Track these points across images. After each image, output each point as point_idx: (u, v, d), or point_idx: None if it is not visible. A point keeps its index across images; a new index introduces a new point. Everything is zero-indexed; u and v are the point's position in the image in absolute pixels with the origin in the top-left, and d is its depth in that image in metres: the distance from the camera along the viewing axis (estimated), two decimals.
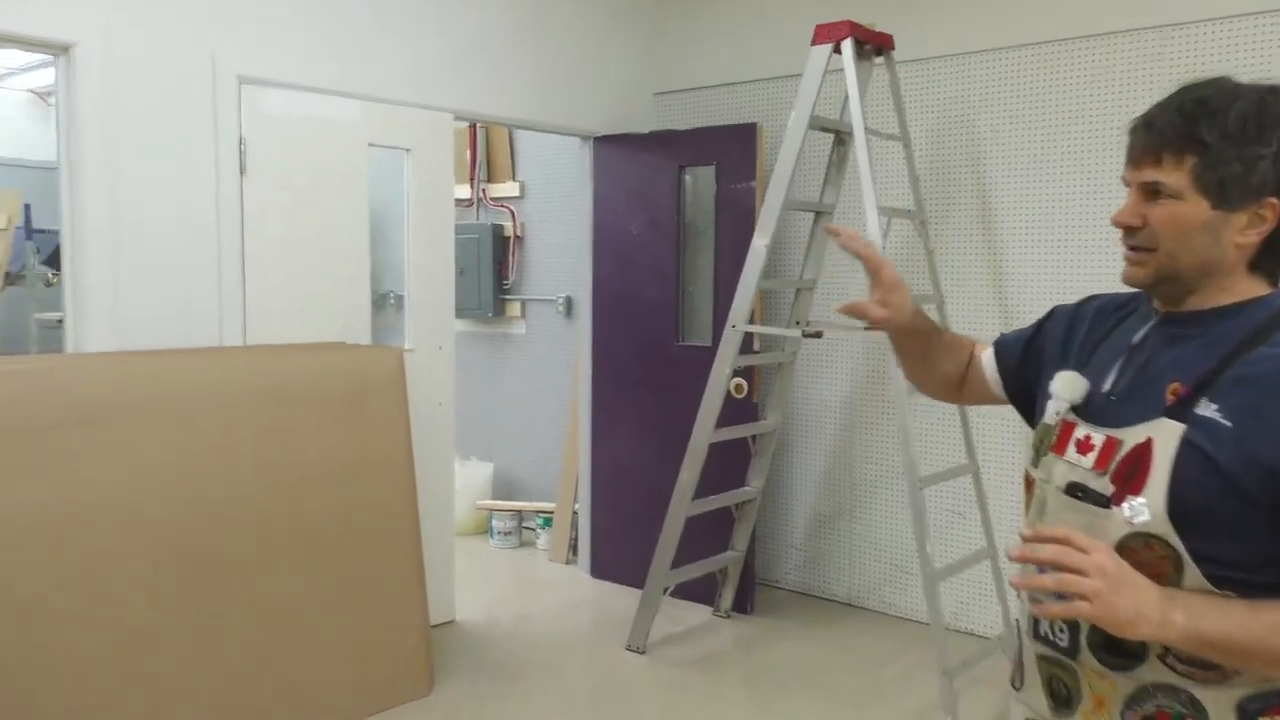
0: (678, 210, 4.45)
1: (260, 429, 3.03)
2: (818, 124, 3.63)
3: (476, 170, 5.75)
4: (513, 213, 5.65)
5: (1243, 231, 1.16)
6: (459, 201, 5.89)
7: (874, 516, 4.36)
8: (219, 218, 3.36)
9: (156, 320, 3.22)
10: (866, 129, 3.38)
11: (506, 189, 5.67)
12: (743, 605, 4.28)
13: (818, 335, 3.54)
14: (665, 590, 3.91)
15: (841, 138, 3.79)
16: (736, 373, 4.09)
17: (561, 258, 5.43)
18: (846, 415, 4.43)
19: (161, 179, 3.21)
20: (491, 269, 5.63)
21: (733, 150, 4.26)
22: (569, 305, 5.38)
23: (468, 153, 5.75)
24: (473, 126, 5.71)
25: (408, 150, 3.92)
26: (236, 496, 2.96)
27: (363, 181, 3.76)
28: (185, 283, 3.28)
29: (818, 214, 3.92)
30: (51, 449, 2.63)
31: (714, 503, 3.92)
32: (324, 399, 3.22)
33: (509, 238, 5.66)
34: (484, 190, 5.75)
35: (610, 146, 4.65)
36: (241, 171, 3.41)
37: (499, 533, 5.35)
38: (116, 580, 2.71)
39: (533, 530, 5.41)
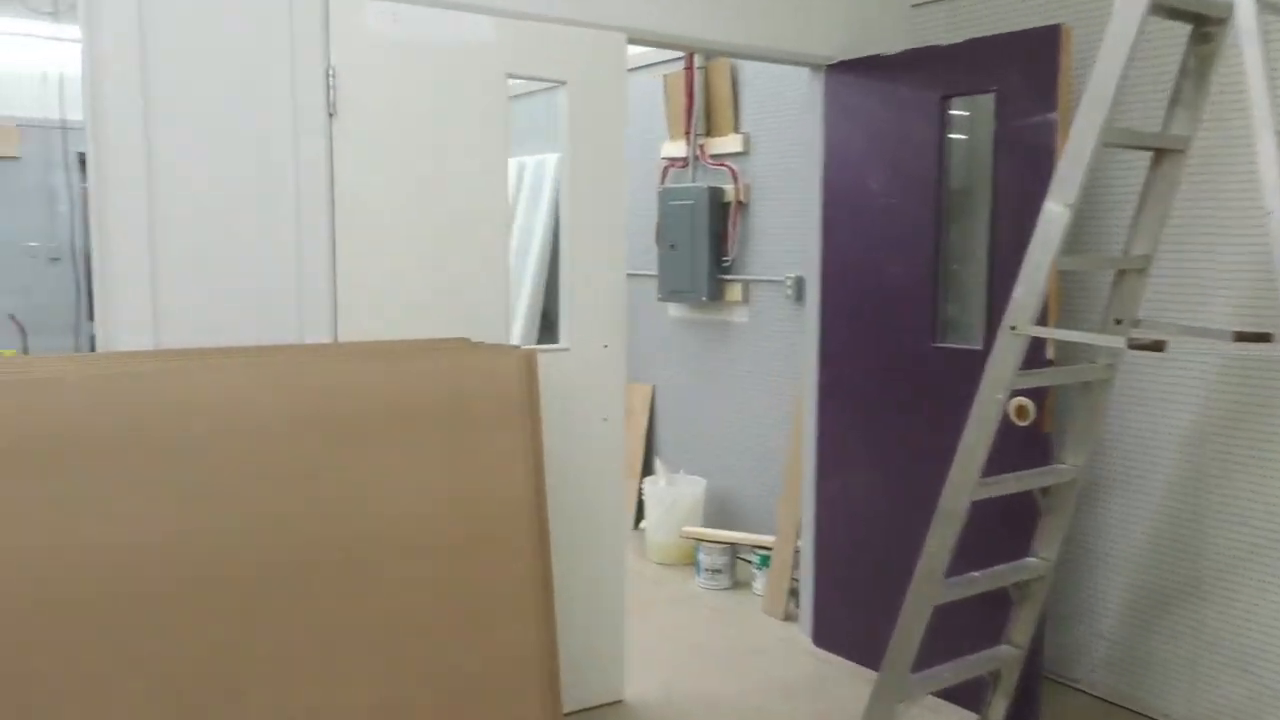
0: (938, 158, 3.20)
1: (303, 472, 2.17)
2: (1164, 5, 2.28)
3: (693, 122, 4.71)
4: (734, 173, 4.57)
5: None
6: (672, 161, 4.90)
7: (1236, 603, 2.94)
8: (297, 176, 2.54)
9: (210, 312, 2.45)
10: (1263, 1, 2.02)
11: (728, 143, 4.59)
12: (1024, 717, 3.01)
13: (1156, 347, 2.20)
14: (904, 700, 2.73)
15: (1205, 28, 2.40)
16: (1019, 393, 2.82)
17: (793, 227, 4.29)
18: (1192, 458, 3.01)
19: (217, 126, 2.43)
20: (708, 242, 4.58)
21: (1022, 69, 2.95)
22: (800, 287, 4.24)
23: (683, 100, 4.73)
24: (688, 68, 4.67)
25: (563, 83, 2.95)
26: (266, 576, 2.12)
27: (501, 125, 2.83)
28: (250, 263, 2.49)
29: (1158, 153, 2.54)
30: None
31: (979, 584, 2.68)
32: (405, 422, 2.32)
33: (729, 203, 4.59)
34: (701, 147, 4.71)
35: (847, 76, 3.45)
36: (330, 114, 2.57)
37: (706, 569, 4.33)
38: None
39: (749, 564, 4.35)
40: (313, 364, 2.27)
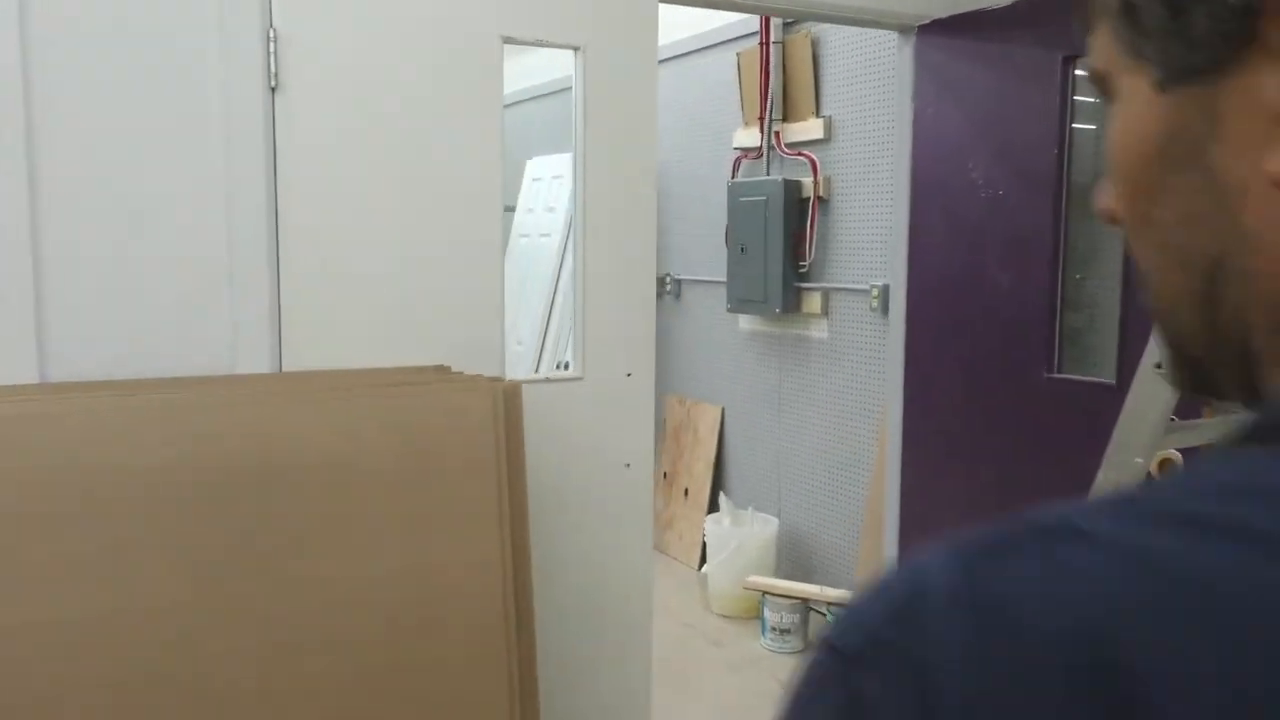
0: (1059, 137, 2.51)
1: (171, 546, 1.65)
2: None
3: (768, 108, 4.08)
4: (814, 163, 3.92)
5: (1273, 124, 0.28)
6: (745, 151, 4.28)
7: None
8: (228, 167, 2.03)
9: (113, 338, 1.96)
10: None
11: (806, 129, 3.95)
12: None
13: None
14: None
15: None
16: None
17: (882, 226, 3.63)
18: None
19: (119, 105, 1.94)
20: (783, 244, 3.95)
21: None
22: (887, 298, 3.57)
23: (758, 80, 4.10)
24: (763, 43, 4.04)
25: (576, 49, 2.38)
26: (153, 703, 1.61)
27: (493, 103, 2.27)
28: (166, 277, 1.99)
29: None
30: None
31: None
32: (336, 477, 1.79)
33: (808, 199, 3.95)
34: (777, 134, 4.08)
35: (942, 38, 2.79)
36: (272, 88, 2.06)
37: (773, 628, 3.70)
38: None
39: (823, 615, 3.71)
40: (208, 404, 1.75)
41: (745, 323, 4.38)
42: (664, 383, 4.83)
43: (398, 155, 2.18)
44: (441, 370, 2.18)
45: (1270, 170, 0.32)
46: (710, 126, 4.47)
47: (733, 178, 4.30)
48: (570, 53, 2.37)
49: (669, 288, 4.81)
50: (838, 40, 3.80)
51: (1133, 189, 0.37)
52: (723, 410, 4.58)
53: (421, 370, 2.16)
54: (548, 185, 5.20)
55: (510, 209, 5.67)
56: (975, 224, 2.73)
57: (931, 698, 0.27)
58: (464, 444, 1.91)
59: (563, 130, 5.35)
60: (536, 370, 4.01)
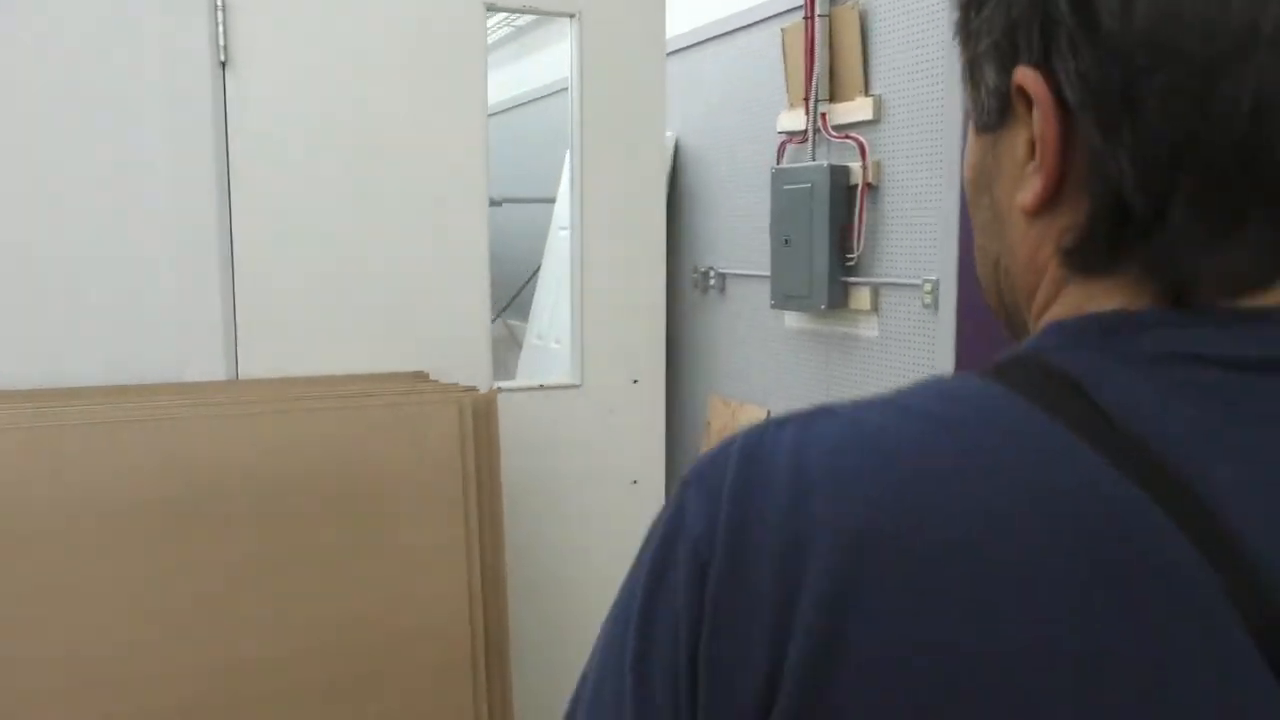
0: None
1: (68, 586, 1.44)
2: None
3: (814, 87, 3.77)
4: (862, 147, 3.60)
5: (1021, 170, 0.45)
6: (790, 135, 3.98)
7: None
8: (174, 151, 1.82)
9: (36, 340, 1.77)
10: None
11: (854, 110, 3.63)
12: None
13: None
14: None
15: None
16: None
17: (934, 216, 3.31)
18: None
19: (48, 80, 1.74)
20: (828, 236, 3.64)
21: None
22: (939, 293, 3.25)
23: (802, 59, 3.79)
24: (808, 17, 3.73)
25: (571, 16, 2.12)
26: None
27: (475, 78, 2.03)
28: (100, 273, 1.79)
29: None
30: None
31: None
32: (262, 508, 1.57)
33: (856, 186, 3.63)
34: (823, 116, 3.76)
35: None
36: (222, 63, 1.85)
37: None
38: None
39: None
40: (112, 423, 1.53)
41: (791, 320, 4.07)
42: (707, 383, 4.55)
43: (368, 139, 1.95)
44: (418, 377, 1.95)
45: (1018, 203, 0.45)
46: (754, 109, 4.17)
47: (778, 163, 4.00)
48: (565, 21, 2.12)
49: (712, 282, 4.53)
50: (887, 12, 3.47)
51: (968, 202, 0.51)
52: (769, 413, 4.28)
53: (391, 378, 1.93)
54: None
55: (550, 200, 5.45)
56: None
57: (716, 504, 0.41)
58: (425, 464, 1.68)
59: None
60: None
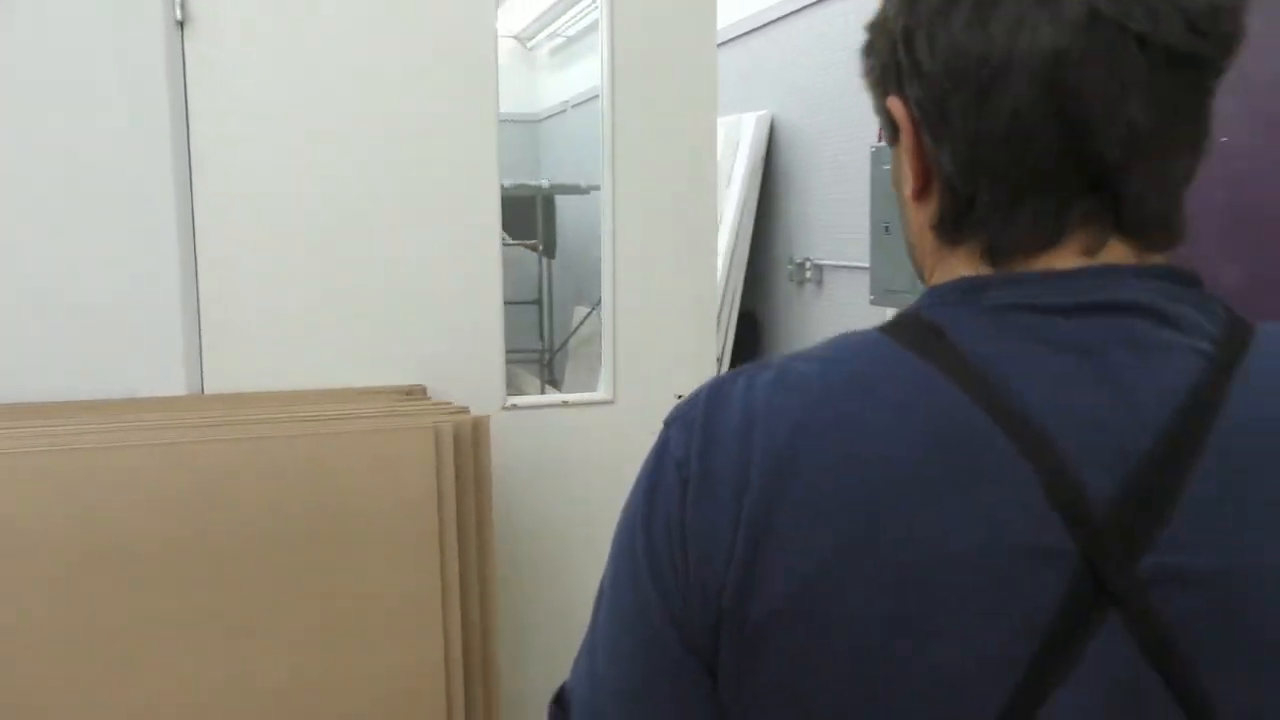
0: None
1: None
2: None
3: None
4: None
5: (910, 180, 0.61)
6: None
7: None
8: (128, 126, 1.56)
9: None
10: None
11: None
12: None
13: None
14: None
15: None
16: None
17: None
18: None
19: None
20: None
21: None
22: None
23: None
24: None
25: None
26: None
27: (484, 37, 1.70)
28: (41, 269, 1.54)
29: None
30: None
31: None
32: (191, 554, 1.29)
33: None
34: None
35: None
36: (180, 22, 1.57)
37: None
38: None
39: None
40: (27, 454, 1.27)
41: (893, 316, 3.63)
42: None
43: (358, 114, 1.65)
44: (409, 394, 1.64)
45: (905, 195, 0.58)
46: (856, 81, 3.74)
47: (879, 140, 3.55)
48: None
49: (808, 274, 4.12)
50: None
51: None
52: None
53: (378, 394, 1.63)
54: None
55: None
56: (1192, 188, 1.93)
57: (690, 435, 0.53)
58: (391, 502, 1.37)
59: (724, 88, 4.85)
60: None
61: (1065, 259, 0.53)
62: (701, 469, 0.53)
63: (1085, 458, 0.48)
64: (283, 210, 1.64)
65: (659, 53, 1.81)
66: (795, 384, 0.53)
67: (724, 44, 4.11)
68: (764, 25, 4.42)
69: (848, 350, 0.54)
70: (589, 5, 5.37)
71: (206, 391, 1.63)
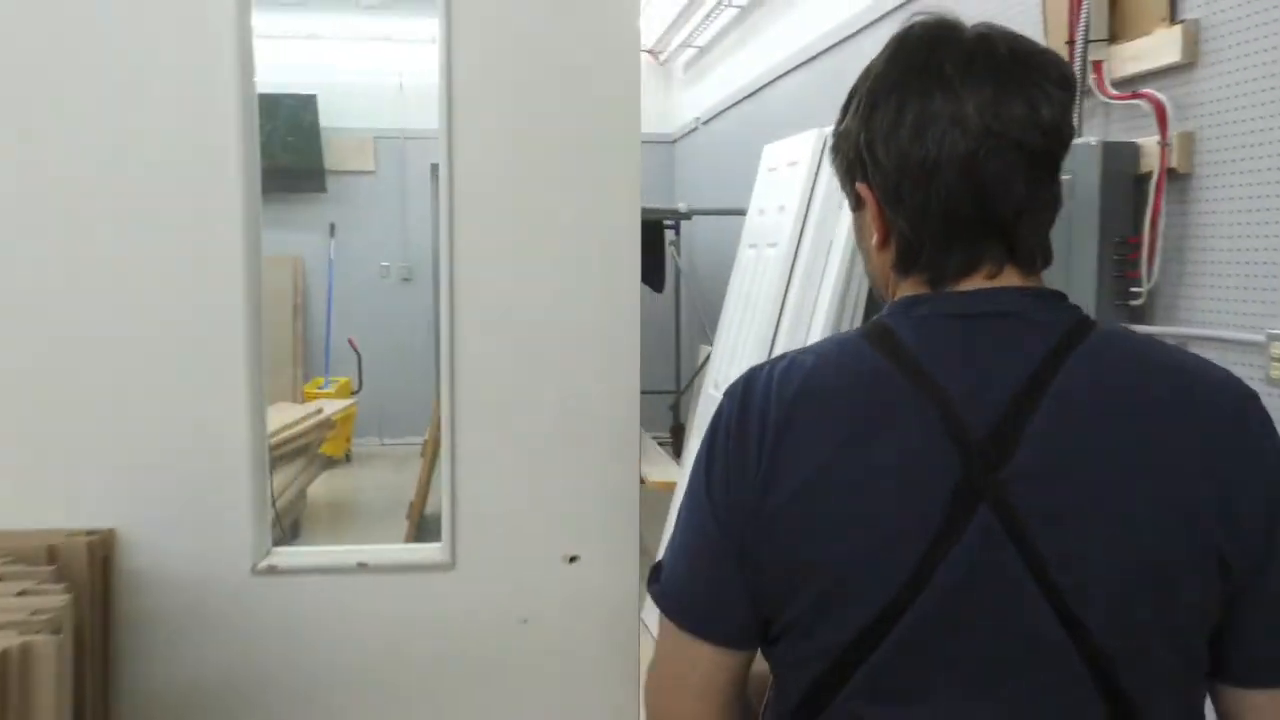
0: None
1: None
2: None
3: (1084, 18, 2.40)
4: (1161, 110, 2.20)
5: (870, 229, 1.04)
6: None
7: None
8: None
9: None
10: None
11: (1150, 51, 2.24)
12: None
13: None
14: None
15: None
16: None
17: None
18: None
19: None
20: (1097, 256, 2.25)
21: None
22: None
23: None
24: None
25: None
26: None
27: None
28: None
29: None
30: None
31: None
32: None
33: (1149, 175, 2.22)
34: (1098, 66, 2.39)
35: None
36: None
37: None
38: None
39: None
40: None
41: None
42: None
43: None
44: (66, 546, 0.95)
45: (872, 245, 0.98)
46: None
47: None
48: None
49: None
50: None
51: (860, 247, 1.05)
52: None
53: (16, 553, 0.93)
54: (781, 176, 3.91)
55: (740, 212, 4.35)
56: None
57: (734, 404, 0.94)
58: None
59: (800, 107, 4.19)
60: None
61: (976, 282, 0.92)
62: (740, 424, 0.92)
63: (967, 407, 0.85)
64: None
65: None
66: (796, 368, 0.92)
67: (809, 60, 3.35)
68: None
69: (832, 344, 0.95)
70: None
71: None
